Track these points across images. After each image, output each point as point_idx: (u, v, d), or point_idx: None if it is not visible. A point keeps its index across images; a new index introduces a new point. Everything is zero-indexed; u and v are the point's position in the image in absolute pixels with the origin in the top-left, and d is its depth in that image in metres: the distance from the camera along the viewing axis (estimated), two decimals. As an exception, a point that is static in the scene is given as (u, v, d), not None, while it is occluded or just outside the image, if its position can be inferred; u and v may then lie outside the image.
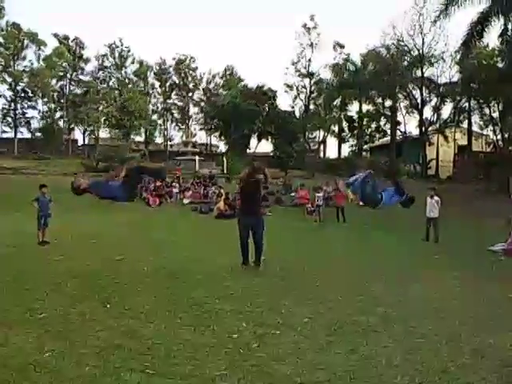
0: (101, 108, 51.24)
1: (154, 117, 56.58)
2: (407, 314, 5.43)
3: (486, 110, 38.17)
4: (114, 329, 4.53)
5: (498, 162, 30.83)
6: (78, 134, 56.03)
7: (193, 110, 57.77)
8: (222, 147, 56.35)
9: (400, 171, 38.81)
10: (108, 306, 5.29)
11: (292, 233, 13.69)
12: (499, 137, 37.39)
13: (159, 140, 59.04)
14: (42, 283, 6.25)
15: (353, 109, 47.43)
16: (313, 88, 44.45)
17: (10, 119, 50.54)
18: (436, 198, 12.77)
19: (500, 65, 32.79)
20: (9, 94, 49.54)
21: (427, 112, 39.44)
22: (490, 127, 39.16)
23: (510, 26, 24.09)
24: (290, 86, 46.76)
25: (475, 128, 40.22)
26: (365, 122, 48.18)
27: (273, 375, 3.59)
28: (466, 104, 38.60)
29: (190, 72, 55.81)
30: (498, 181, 28.03)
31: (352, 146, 51.02)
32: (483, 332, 4.82)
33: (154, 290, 6.01)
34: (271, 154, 49.47)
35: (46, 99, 50.88)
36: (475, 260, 9.67)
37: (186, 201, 20.75)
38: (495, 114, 37.41)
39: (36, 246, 9.48)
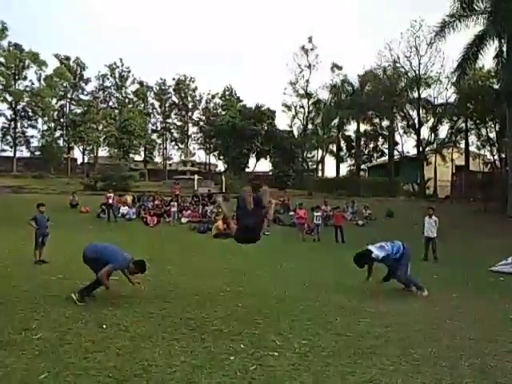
0: (100, 127, 51.66)
1: (154, 136, 57.07)
2: (406, 335, 5.38)
3: (483, 131, 38.48)
4: (110, 350, 4.47)
5: (496, 182, 30.93)
6: (77, 153, 56.43)
7: (192, 129, 58.39)
8: (221, 166, 56.64)
9: (398, 190, 38.96)
10: (104, 326, 5.23)
11: (291, 252, 13.63)
12: (496, 157, 37.63)
13: (158, 159, 59.42)
14: (37, 303, 6.20)
15: (351, 128, 47.99)
16: (311, 108, 44.90)
17: (9, 138, 50.82)
18: (434, 217, 12.78)
19: (496, 86, 33.25)
20: (9, 113, 50.09)
21: (424, 132, 39.88)
22: (487, 147, 39.45)
23: (504, 48, 24.50)
24: (288, 106, 47.25)
25: (472, 148, 40.53)
26: (362, 142, 48.55)
27: (270, 398, 3.53)
28: (463, 124, 38.93)
29: (190, 92, 56.49)
30: (496, 201, 28.06)
31: (350, 165, 51.32)
32: (484, 354, 4.77)
33: (150, 311, 5.95)
34: (270, 173, 49.71)
35: (46, 118, 51.30)
36: (475, 280, 9.60)
37: (184, 220, 20.71)
38: (492, 134, 37.73)
39: (33, 264, 9.42)
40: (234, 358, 4.39)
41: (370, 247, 7.86)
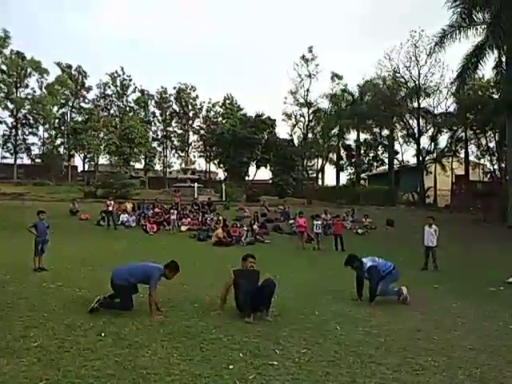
0: (101, 135, 51.78)
1: (154, 144, 57.19)
2: (406, 344, 5.36)
3: (483, 140, 38.62)
4: (109, 358, 4.45)
5: (496, 192, 30.97)
6: (78, 161, 56.53)
7: (192, 137, 58.55)
8: (221, 174, 56.68)
9: (398, 199, 38.97)
10: (103, 334, 5.21)
11: (290, 261, 13.61)
12: (496, 166, 37.70)
13: (158, 167, 59.45)
14: (36, 311, 6.18)
15: (351, 137, 48.07)
16: (311, 117, 45.00)
17: (10, 145, 50.94)
18: (434, 226, 12.79)
19: (495, 96, 33.41)
20: (10, 120, 50.22)
21: (424, 141, 39.91)
22: (487, 157, 39.54)
23: (503, 59, 24.68)
24: (288, 115, 47.38)
25: (472, 158, 40.63)
26: (362, 151, 48.63)
27: (269, 407, 3.51)
28: (463, 134, 39.04)
29: (191, 101, 56.72)
30: (496, 210, 28.07)
31: (350, 174, 51.36)
32: (484, 364, 4.75)
33: (149, 320, 5.94)
34: (270, 182, 49.72)
35: (47, 126, 51.46)
36: (475, 290, 9.58)
37: (183, 228, 20.70)
38: (492, 144, 37.86)
39: (32, 272, 9.41)
40: (232, 366, 4.37)
41: (363, 259, 7.93)
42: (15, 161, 50.15)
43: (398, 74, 38.13)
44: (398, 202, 38.16)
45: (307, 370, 4.39)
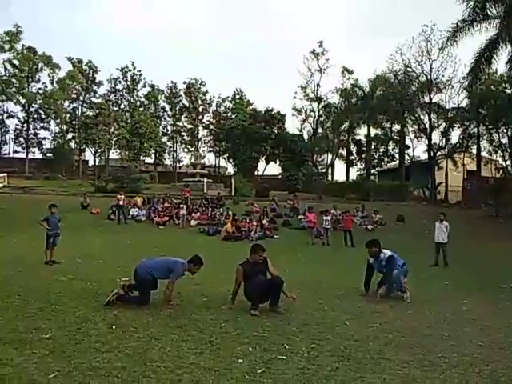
0: (112, 130, 52.06)
1: (164, 139, 57.37)
2: (416, 340, 5.33)
3: (495, 136, 38.09)
4: (120, 350, 4.48)
5: (508, 188, 30.59)
6: (88, 155, 56.90)
7: (202, 132, 58.58)
8: (231, 169, 56.71)
9: (409, 195, 38.68)
10: (114, 327, 5.25)
11: (299, 256, 13.61)
12: (508, 162, 37.22)
13: (168, 162, 59.66)
14: (48, 303, 6.25)
15: (361, 133, 47.71)
16: (321, 112, 44.72)
17: (22, 139, 51.47)
18: (445, 222, 12.69)
19: (508, 91, 32.94)
20: (22, 115, 50.74)
21: (436, 137, 39.45)
22: (499, 153, 39.03)
23: (517, 53, 24.27)
24: (298, 110, 47.11)
25: (484, 153, 40.11)
26: (373, 146, 48.27)
27: (278, 401, 3.52)
28: (475, 129, 38.53)
29: (200, 95, 56.69)
30: (508, 206, 27.75)
31: (360, 169, 51.06)
32: (495, 361, 4.71)
33: (159, 313, 5.97)
34: (279, 177, 49.65)
35: (58, 120, 51.87)
36: (486, 287, 9.50)
37: (193, 222, 20.76)
38: (504, 140, 37.32)
39: (43, 265, 9.51)
40: (242, 360, 4.38)
41: (383, 249, 7.99)
42: (27, 155, 50.67)
43: (409, 69, 37.68)
44: (408, 198, 37.87)
45: (316, 364, 4.38)
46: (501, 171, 38.95)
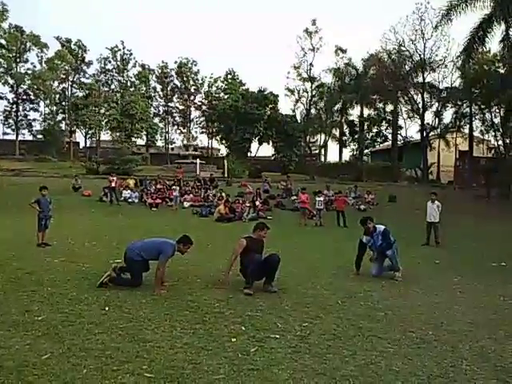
0: (102, 111, 51.43)
1: (156, 120, 56.79)
2: (407, 319, 5.40)
3: (488, 116, 38.14)
4: (113, 331, 4.50)
5: (499, 168, 30.80)
6: (79, 137, 56.29)
7: (194, 113, 58.05)
8: (223, 150, 56.46)
9: (401, 176, 38.86)
10: (107, 308, 5.26)
11: (292, 237, 13.66)
12: (500, 142, 37.37)
13: (160, 143, 59.23)
14: (40, 285, 6.24)
15: (354, 113, 47.58)
16: (314, 92, 44.48)
17: (11, 121, 50.73)
18: (437, 202, 12.76)
19: (501, 70, 32.85)
20: (11, 96, 49.90)
21: (428, 117, 39.46)
22: (492, 132, 39.14)
23: (511, 32, 24.11)
24: (291, 90, 46.83)
25: (476, 133, 40.22)
26: (366, 127, 48.22)
27: (271, 380, 3.56)
28: (468, 109, 38.55)
29: (192, 75, 55.95)
30: (500, 187, 27.99)
31: (353, 150, 51.08)
32: (484, 338, 4.79)
33: (152, 293, 5.98)
34: (272, 158, 49.53)
35: (47, 101, 51.06)
36: (477, 265, 9.61)
37: (186, 204, 20.74)
38: (497, 120, 37.39)
39: (35, 247, 9.47)
40: (235, 339, 4.42)
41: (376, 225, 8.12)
42: (17, 137, 50.05)
43: (403, 48, 37.51)
44: (400, 179, 38.04)
45: (308, 343, 4.43)
46: (493, 151, 39.14)
